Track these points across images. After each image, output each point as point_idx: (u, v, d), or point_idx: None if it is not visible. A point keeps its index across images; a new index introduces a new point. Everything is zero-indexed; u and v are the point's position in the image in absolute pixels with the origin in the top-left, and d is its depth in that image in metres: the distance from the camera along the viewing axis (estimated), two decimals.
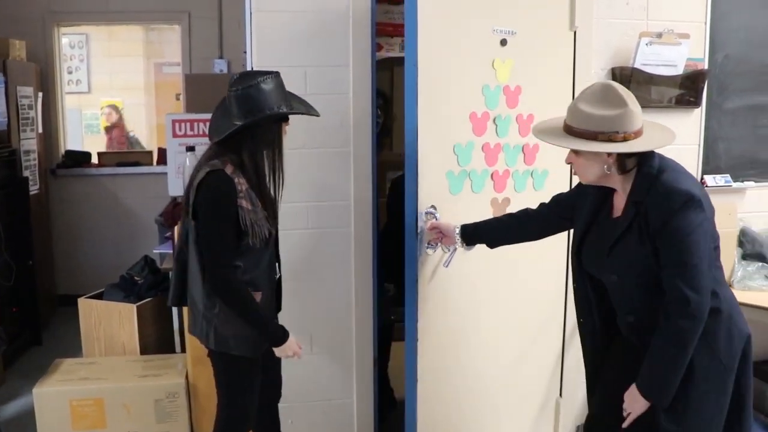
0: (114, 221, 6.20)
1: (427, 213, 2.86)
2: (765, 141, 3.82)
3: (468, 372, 3.12)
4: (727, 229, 3.34)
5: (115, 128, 7.19)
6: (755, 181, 3.85)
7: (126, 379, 3.58)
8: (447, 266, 2.90)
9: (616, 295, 2.38)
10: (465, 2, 2.92)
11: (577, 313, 2.60)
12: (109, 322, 3.99)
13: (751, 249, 3.70)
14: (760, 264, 3.59)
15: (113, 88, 8.63)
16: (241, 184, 2.54)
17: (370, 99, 3.23)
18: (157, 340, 4.09)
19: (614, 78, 3.45)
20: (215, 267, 2.54)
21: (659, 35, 3.39)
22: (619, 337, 2.47)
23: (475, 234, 2.79)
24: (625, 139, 2.20)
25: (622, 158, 2.25)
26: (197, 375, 3.51)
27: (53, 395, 3.47)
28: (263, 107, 2.52)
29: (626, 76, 3.42)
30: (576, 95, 2.35)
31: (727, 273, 3.35)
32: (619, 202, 2.36)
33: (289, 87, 3.05)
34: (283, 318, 3.08)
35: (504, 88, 3.01)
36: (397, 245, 3.90)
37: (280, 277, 2.85)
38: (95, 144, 7.81)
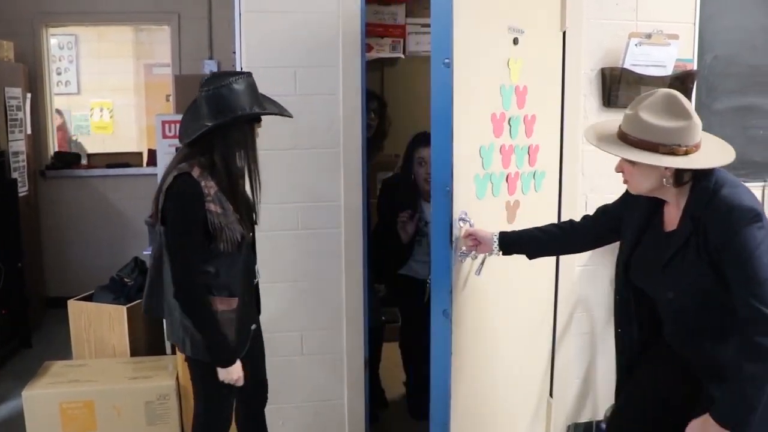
0: (104, 223, 6.18)
1: (461, 220, 2.70)
2: (754, 142, 3.84)
3: (478, 374, 3.09)
4: None
5: (59, 131, 7.14)
6: (745, 182, 3.85)
7: (116, 381, 3.57)
8: (479, 275, 2.79)
9: (670, 311, 2.29)
10: None
11: (615, 324, 2.54)
12: (99, 324, 3.97)
13: None
14: None
15: (103, 89, 8.61)
16: (209, 187, 2.49)
17: (360, 99, 3.22)
18: (147, 341, 4.08)
19: (604, 79, 3.45)
20: (179, 273, 2.49)
21: (648, 36, 3.39)
22: (655, 346, 2.42)
23: (515, 243, 2.69)
24: (686, 153, 2.12)
25: (680, 171, 2.16)
26: (188, 377, 3.49)
27: (43, 398, 3.45)
28: (234, 108, 2.46)
29: (616, 76, 3.43)
30: (633, 102, 2.24)
31: None
32: (671, 215, 2.28)
33: (279, 88, 3.07)
34: (274, 319, 3.10)
35: (515, 88, 2.95)
36: (388, 246, 3.92)
37: (258, 281, 2.81)
38: (85, 145, 7.80)
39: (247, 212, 2.63)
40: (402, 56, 5.52)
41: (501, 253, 2.69)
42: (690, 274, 2.16)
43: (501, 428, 3.21)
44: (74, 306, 4.04)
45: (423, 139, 3.87)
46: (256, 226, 2.78)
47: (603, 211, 2.64)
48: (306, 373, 3.39)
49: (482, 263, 2.76)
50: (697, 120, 2.13)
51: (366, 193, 3.34)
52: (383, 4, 5.43)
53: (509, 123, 2.93)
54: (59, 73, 8.13)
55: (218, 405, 2.74)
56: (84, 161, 6.59)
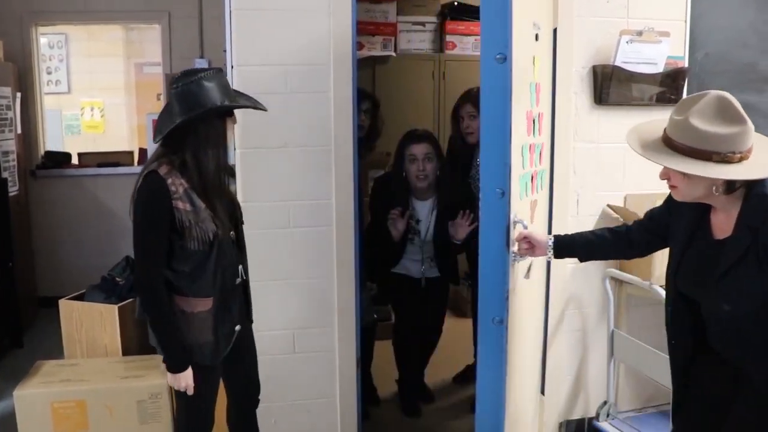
0: (95, 222, 6.16)
1: (515, 222, 2.57)
2: None
3: (521, 380, 3.05)
4: None
5: None
6: None
7: (108, 381, 3.55)
8: (528, 278, 2.74)
9: (723, 322, 2.18)
10: None
11: (668, 335, 2.42)
12: (90, 323, 3.95)
13: None
14: None
15: (93, 89, 8.60)
16: (178, 184, 2.46)
17: (351, 97, 3.22)
18: (139, 340, 4.06)
19: (595, 76, 3.46)
20: (138, 270, 2.49)
21: (639, 33, 3.40)
22: (703, 356, 2.34)
23: (569, 246, 2.63)
24: (741, 160, 1.99)
25: (732, 181, 2.05)
26: None
27: (35, 397, 3.43)
28: (204, 102, 2.43)
29: (607, 74, 3.44)
30: (680, 105, 2.10)
31: None
32: (720, 221, 2.17)
33: (269, 86, 3.07)
34: (266, 318, 3.09)
35: (536, 86, 2.90)
36: (380, 244, 3.92)
37: (245, 281, 2.78)
38: (75, 145, 7.77)
39: (222, 209, 2.58)
40: (393, 54, 5.53)
41: (554, 257, 2.63)
42: (751, 287, 2.06)
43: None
44: (65, 305, 4.02)
45: (414, 136, 3.88)
46: (242, 224, 2.76)
47: (650, 216, 2.52)
48: (298, 371, 3.39)
49: (530, 266, 2.71)
50: (750, 124, 2.01)
51: (358, 192, 3.34)
52: (374, 2, 5.45)
53: (534, 121, 2.87)
54: (49, 73, 8.12)
55: (198, 405, 2.73)
56: (75, 161, 6.56)
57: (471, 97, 3.97)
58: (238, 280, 2.71)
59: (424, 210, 3.94)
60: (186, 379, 2.57)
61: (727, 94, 2.03)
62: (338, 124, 3.22)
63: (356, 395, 3.47)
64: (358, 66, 3.34)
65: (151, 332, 2.67)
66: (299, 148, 3.21)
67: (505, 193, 2.45)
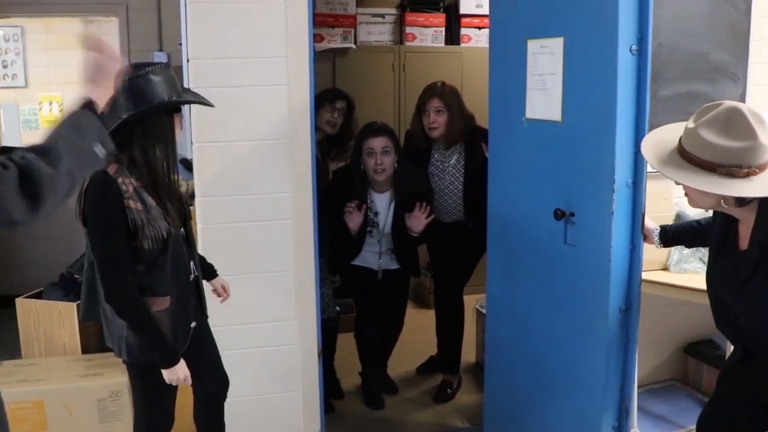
0: (52, 219, 6.04)
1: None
2: None
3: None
4: (662, 213, 3.38)
5: None
6: None
7: (67, 380, 3.52)
8: None
9: (743, 332, 2.21)
10: None
11: (729, 341, 2.42)
12: (48, 321, 3.91)
13: None
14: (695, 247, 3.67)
15: (52, 83, 8.45)
16: (127, 183, 2.41)
17: (308, 90, 3.20)
18: (99, 338, 4.00)
19: None
20: (105, 275, 2.43)
21: None
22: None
23: (675, 234, 2.65)
24: (747, 175, 1.96)
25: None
26: None
27: None
28: (151, 98, 2.38)
29: None
30: (697, 114, 2.10)
31: (663, 257, 3.41)
32: (743, 232, 2.16)
33: (226, 79, 3.06)
34: (226, 313, 3.07)
35: None
36: (338, 237, 3.93)
37: (197, 277, 2.75)
38: (34, 140, 7.65)
39: (173, 206, 2.55)
40: (353, 46, 5.52)
41: (661, 245, 2.68)
42: (761, 300, 2.07)
43: None
44: (22, 304, 3.97)
45: (372, 129, 3.88)
46: (191, 219, 2.73)
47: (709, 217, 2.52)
48: (259, 366, 3.38)
49: None
50: (763, 139, 1.97)
51: (316, 184, 3.32)
52: None
53: None
54: (5, 66, 7.97)
55: (158, 407, 2.72)
56: None
57: (437, 91, 3.97)
58: (192, 276, 2.69)
59: (383, 202, 3.95)
60: (183, 371, 2.55)
61: (742, 106, 2.00)
62: (295, 117, 3.20)
63: (319, 389, 3.47)
64: (318, 58, 3.33)
65: (108, 332, 2.65)
66: (256, 142, 3.19)
67: (636, 183, 2.56)
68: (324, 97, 3.99)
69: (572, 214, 2.79)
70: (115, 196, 2.39)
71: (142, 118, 2.40)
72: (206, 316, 2.85)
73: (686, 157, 2.04)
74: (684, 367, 4.18)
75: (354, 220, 3.83)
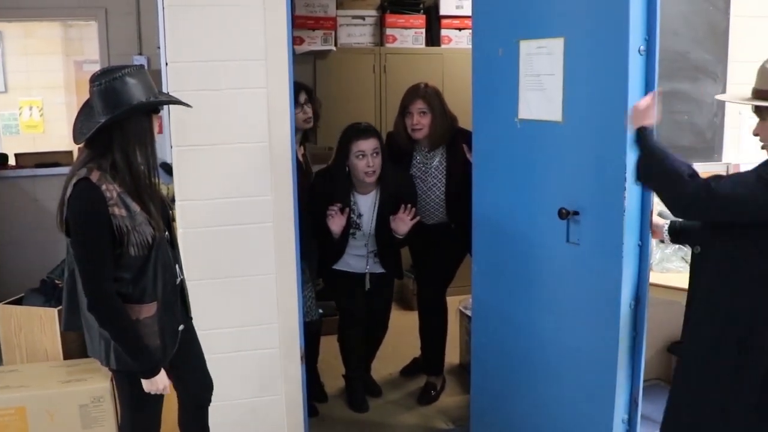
0: (33, 224, 6.03)
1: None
2: (680, 126, 3.92)
3: None
4: None
5: None
6: None
7: (49, 386, 3.49)
8: None
9: None
10: None
11: None
12: (30, 327, 3.89)
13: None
14: (677, 246, 3.68)
15: (32, 87, 8.42)
16: (111, 190, 2.38)
17: (287, 93, 3.20)
18: (81, 344, 3.98)
19: None
20: (89, 285, 2.40)
21: None
22: None
23: (684, 231, 2.68)
24: None
25: None
26: None
27: None
28: (130, 99, 2.36)
29: None
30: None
31: None
32: None
33: (205, 82, 3.05)
34: (206, 317, 3.06)
35: None
36: (321, 241, 3.92)
37: (182, 280, 2.74)
38: (14, 145, 7.59)
39: (157, 210, 2.53)
40: (333, 48, 5.53)
41: (671, 240, 2.74)
42: None
43: None
44: (3, 310, 3.94)
45: (360, 131, 3.87)
46: (174, 222, 2.73)
47: None
48: (242, 369, 3.37)
49: None
50: None
51: (297, 187, 3.32)
52: None
53: None
54: None
55: (146, 415, 2.70)
56: (12, 161, 6.42)
57: (420, 93, 3.97)
58: (177, 279, 2.68)
59: (366, 204, 3.94)
60: (163, 381, 2.54)
61: None
62: (275, 120, 3.19)
63: (302, 392, 3.46)
64: (299, 61, 3.33)
65: (90, 342, 2.62)
66: (236, 145, 3.18)
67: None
68: None
69: (576, 213, 2.82)
70: (98, 205, 2.35)
71: (121, 121, 2.38)
72: (190, 319, 2.84)
73: (759, 96, 2.13)
74: (668, 367, 4.21)
75: (336, 223, 3.82)
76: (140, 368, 2.51)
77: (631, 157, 2.57)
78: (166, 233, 2.62)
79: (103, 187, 2.37)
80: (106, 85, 2.36)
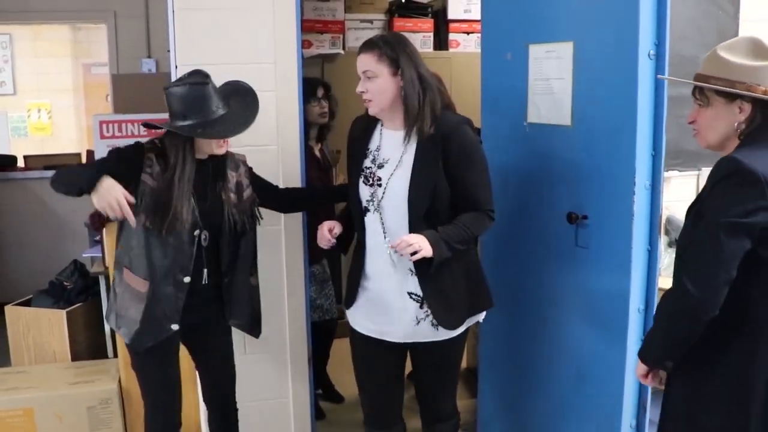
0: (41, 225, 6.06)
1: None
2: (687, 131, 3.89)
3: None
4: None
5: None
6: (679, 171, 3.94)
7: (57, 387, 3.51)
8: None
9: None
10: None
11: None
12: (38, 329, 3.91)
13: (676, 236, 3.79)
14: None
15: (40, 90, 8.46)
16: (153, 164, 2.56)
17: (297, 96, 3.20)
18: (88, 345, 4.02)
19: None
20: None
21: None
22: None
23: None
24: (766, 93, 1.97)
25: (754, 119, 2.00)
26: (130, 380, 3.44)
27: None
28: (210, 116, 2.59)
29: None
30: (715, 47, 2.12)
31: None
32: None
33: None
34: None
35: None
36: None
37: (207, 283, 2.73)
38: (22, 147, 7.64)
39: (204, 209, 2.65)
40: (342, 52, 5.52)
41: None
42: None
43: None
44: (12, 311, 3.97)
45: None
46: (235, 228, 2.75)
47: None
48: (249, 372, 3.36)
49: None
50: None
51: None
52: (322, 0, 5.44)
53: None
54: None
55: (154, 392, 2.75)
56: (21, 163, 6.45)
57: None
58: (187, 279, 2.66)
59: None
60: (112, 189, 2.37)
61: (761, 38, 2.03)
62: (284, 123, 3.20)
63: (309, 395, 3.46)
64: (307, 64, 3.33)
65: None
66: (245, 148, 3.17)
67: (654, 185, 2.62)
68: (305, 93, 3.91)
69: (585, 217, 2.81)
70: (134, 154, 2.57)
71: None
72: (226, 323, 2.88)
73: (705, 80, 2.04)
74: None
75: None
76: (84, 185, 2.41)
77: (641, 161, 2.57)
78: (199, 233, 2.66)
79: (150, 154, 2.56)
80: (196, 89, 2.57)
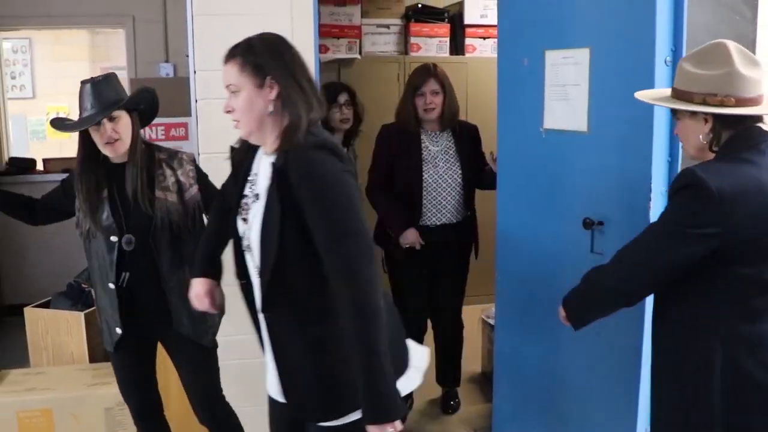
0: (60, 228, 5.97)
1: None
2: None
3: None
4: None
5: None
6: None
7: (75, 389, 3.54)
8: None
9: None
10: None
11: None
12: (56, 330, 3.93)
13: None
14: None
15: (59, 93, 8.51)
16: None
17: None
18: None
19: None
20: None
21: None
22: None
23: None
24: (722, 104, 1.92)
25: (717, 131, 1.98)
26: None
27: (0, 407, 3.41)
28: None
29: None
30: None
31: None
32: None
33: None
34: (225, 322, 3.07)
35: None
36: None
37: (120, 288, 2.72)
38: (41, 150, 7.69)
39: (128, 217, 2.68)
40: (358, 57, 5.55)
41: None
42: None
43: None
44: (31, 313, 4.00)
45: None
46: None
47: None
48: (236, 378, 3.29)
49: None
50: (742, 69, 1.93)
51: None
52: (338, 5, 5.47)
53: None
54: (13, 78, 8.05)
55: (123, 392, 2.94)
56: (40, 166, 6.50)
57: (433, 72, 3.88)
58: (111, 285, 2.68)
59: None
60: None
61: (729, 42, 1.98)
62: None
63: None
64: (323, 69, 3.35)
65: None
66: None
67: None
68: (326, 98, 3.86)
69: (601, 223, 2.81)
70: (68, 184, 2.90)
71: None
72: (173, 330, 2.81)
73: (673, 93, 2.06)
74: None
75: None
76: None
77: (657, 167, 2.57)
78: (115, 239, 2.68)
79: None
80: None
